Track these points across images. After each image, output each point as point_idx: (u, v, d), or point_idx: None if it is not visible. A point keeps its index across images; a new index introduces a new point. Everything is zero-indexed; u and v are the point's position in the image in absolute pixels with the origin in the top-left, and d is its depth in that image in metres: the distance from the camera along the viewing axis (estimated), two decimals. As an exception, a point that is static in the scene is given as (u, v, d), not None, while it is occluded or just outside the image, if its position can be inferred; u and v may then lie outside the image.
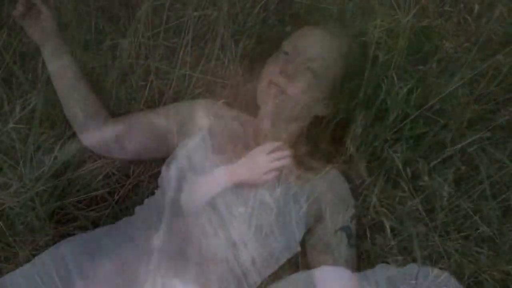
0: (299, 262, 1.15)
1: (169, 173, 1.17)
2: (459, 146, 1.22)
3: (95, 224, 1.25)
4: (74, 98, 1.23)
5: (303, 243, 1.16)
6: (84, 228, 1.22)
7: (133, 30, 1.30)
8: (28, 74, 1.30)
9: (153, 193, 1.22)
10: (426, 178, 1.23)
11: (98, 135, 1.24)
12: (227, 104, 1.29)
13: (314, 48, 1.19)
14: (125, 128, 1.25)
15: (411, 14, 1.14)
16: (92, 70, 1.32)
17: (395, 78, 1.21)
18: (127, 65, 1.32)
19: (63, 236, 1.17)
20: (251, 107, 1.28)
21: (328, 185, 1.18)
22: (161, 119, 1.26)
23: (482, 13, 1.22)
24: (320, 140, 1.24)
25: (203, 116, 1.25)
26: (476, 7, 1.19)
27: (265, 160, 1.14)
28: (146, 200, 1.20)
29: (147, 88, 1.34)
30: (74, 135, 1.27)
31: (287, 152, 1.16)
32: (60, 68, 1.23)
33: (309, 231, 1.16)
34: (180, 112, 1.27)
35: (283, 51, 1.21)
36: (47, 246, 1.14)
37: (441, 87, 1.21)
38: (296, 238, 1.13)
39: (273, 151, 1.15)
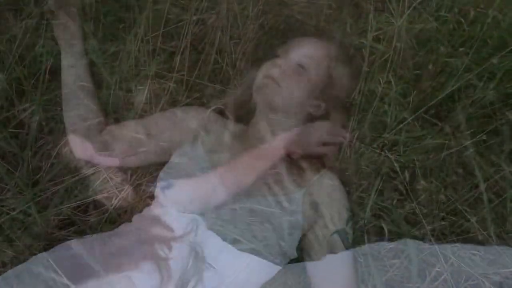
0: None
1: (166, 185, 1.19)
2: (456, 149, 1.23)
3: (93, 229, 1.25)
4: (77, 107, 1.25)
5: (299, 247, 1.16)
6: (81, 233, 1.22)
7: (133, 34, 1.31)
8: (28, 79, 1.30)
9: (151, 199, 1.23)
10: (423, 181, 1.23)
11: (91, 147, 1.25)
12: (216, 112, 1.33)
13: (305, 48, 1.26)
14: (117, 139, 1.26)
15: (404, 17, 1.15)
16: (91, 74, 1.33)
17: (392, 81, 1.22)
18: (126, 69, 1.33)
19: (60, 241, 1.17)
20: (244, 114, 1.32)
21: (323, 188, 1.18)
22: (152, 128, 1.27)
23: (477, 17, 1.23)
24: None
25: (195, 124, 1.28)
26: (471, 11, 1.20)
27: (324, 133, 1.19)
28: (145, 210, 1.21)
29: (145, 92, 1.34)
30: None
31: (345, 132, 1.21)
32: (73, 72, 1.26)
33: (305, 235, 1.16)
34: (171, 120, 1.29)
35: (276, 55, 1.28)
36: (44, 251, 1.14)
37: (437, 91, 1.21)
38: (293, 244, 1.14)
39: (331, 128, 1.20)
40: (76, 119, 1.25)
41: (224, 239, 1.10)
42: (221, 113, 1.37)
